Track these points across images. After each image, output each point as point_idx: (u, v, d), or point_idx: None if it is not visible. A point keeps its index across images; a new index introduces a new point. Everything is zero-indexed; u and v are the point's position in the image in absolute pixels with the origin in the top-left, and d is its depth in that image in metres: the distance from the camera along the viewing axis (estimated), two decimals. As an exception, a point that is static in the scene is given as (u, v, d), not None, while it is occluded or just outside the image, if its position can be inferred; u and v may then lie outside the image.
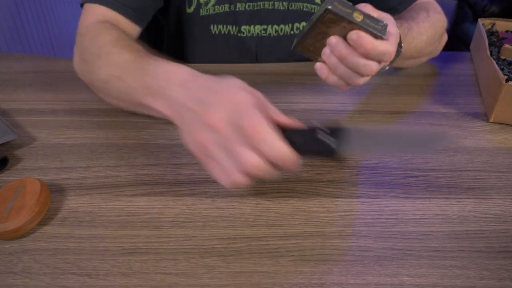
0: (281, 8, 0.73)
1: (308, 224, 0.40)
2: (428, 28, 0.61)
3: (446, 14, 0.68)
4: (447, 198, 0.44)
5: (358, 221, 0.41)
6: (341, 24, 0.42)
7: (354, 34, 0.42)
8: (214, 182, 0.45)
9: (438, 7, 0.68)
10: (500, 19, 0.74)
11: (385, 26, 0.42)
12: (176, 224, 0.40)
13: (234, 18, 0.72)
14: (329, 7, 0.40)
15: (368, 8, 0.44)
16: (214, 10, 0.71)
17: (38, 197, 0.40)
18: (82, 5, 0.61)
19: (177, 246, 0.38)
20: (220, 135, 0.35)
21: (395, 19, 0.49)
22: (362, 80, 0.46)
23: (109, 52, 0.50)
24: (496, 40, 0.68)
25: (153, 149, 0.51)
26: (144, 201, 0.43)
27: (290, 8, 0.73)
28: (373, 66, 0.44)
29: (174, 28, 0.76)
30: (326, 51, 0.46)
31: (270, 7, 0.72)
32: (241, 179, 0.35)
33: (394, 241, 0.39)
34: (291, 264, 0.36)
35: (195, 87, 0.39)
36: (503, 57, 0.63)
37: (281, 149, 0.34)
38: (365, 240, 0.39)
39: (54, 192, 0.44)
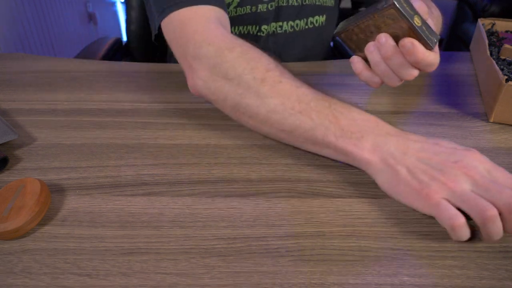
0: (295, 4, 0.73)
1: (308, 224, 0.40)
2: (433, 25, 0.61)
3: (446, 14, 0.69)
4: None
5: (358, 221, 0.41)
6: (398, 22, 0.41)
7: (409, 43, 0.42)
8: (214, 182, 0.46)
9: (434, 5, 0.68)
10: (500, 19, 0.74)
11: (438, 39, 0.43)
12: (176, 224, 0.40)
13: (255, 18, 0.72)
14: (395, 2, 0.40)
15: (422, 9, 0.43)
16: (236, 12, 0.70)
17: (38, 197, 0.40)
18: (163, 18, 0.55)
19: (177, 246, 0.38)
20: (474, 183, 0.37)
21: None
22: (398, 83, 0.46)
23: (279, 80, 0.46)
24: (496, 40, 0.68)
25: (153, 149, 0.51)
26: (144, 201, 0.43)
27: (304, 3, 0.74)
28: (415, 73, 0.44)
29: None
30: (370, 46, 0.46)
31: (285, 4, 0.73)
32: (493, 213, 0.35)
33: (394, 241, 0.39)
34: (291, 264, 0.36)
35: (412, 141, 0.41)
36: (503, 57, 0.63)
37: None
38: (365, 240, 0.39)
39: (54, 192, 0.44)
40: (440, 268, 0.36)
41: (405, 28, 0.41)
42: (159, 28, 0.57)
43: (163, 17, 0.55)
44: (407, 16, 0.40)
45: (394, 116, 0.57)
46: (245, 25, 0.73)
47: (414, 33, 0.41)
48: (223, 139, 0.52)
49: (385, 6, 0.41)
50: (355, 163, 0.43)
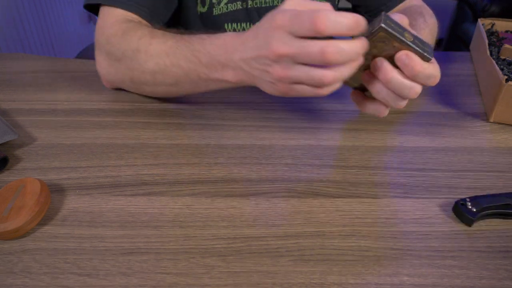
0: (267, 5, 0.73)
1: (308, 224, 0.40)
2: (428, 34, 0.60)
3: (446, 14, 0.68)
4: (447, 198, 0.44)
5: (358, 221, 0.41)
6: (390, 44, 0.41)
7: (404, 55, 0.41)
8: (214, 182, 0.46)
9: (430, 11, 0.67)
10: (500, 19, 0.74)
11: (432, 49, 0.42)
12: (176, 224, 0.40)
13: (247, 15, 0.72)
14: (383, 25, 0.39)
15: (405, 22, 0.43)
16: (227, 9, 0.70)
17: (38, 197, 0.40)
18: (85, 7, 0.61)
19: (177, 246, 0.38)
20: (290, 57, 0.39)
21: None
22: (404, 103, 0.45)
23: (150, 43, 0.51)
24: (496, 40, 0.68)
25: (153, 149, 0.51)
26: (144, 201, 0.43)
27: None
28: (418, 89, 0.43)
29: (186, 28, 0.76)
30: (365, 75, 0.45)
31: (280, 4, 0.72)
32: (329, 75, 0.38)
33: (394, 241, 0.39)
34: (291, 264, 0.36)
35: (246, 42, 0.43)
36: (503, 57, 0.63)
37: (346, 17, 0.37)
38: (365, 240, 0.39)
39: (54, 192, 0.44)
40: (440, 268, 0.36)
41: (398, 47, 0.41)
42: (89, 7, 0.62)
43: (90, 2, 0.60)
44: (398, 35, 0.40)
45: (394, 116, 0.57)
46: (238, 22, 0.73)
47: (408, 49, 0.41)
48: (223, 139, 0.52)
49: (373, 31, 0.40)
50: (236, 85, 0.47)
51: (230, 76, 0.46)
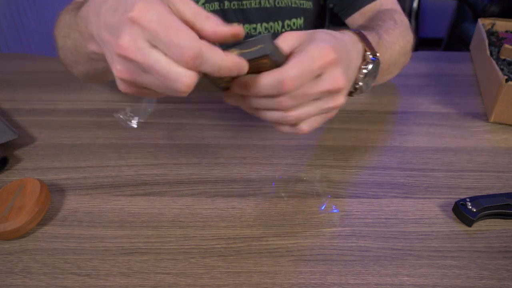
0: (268, 5, 0.72)
1: (308, 224, 0.40)
2: (399, 36, 0.55)
3: (446, 14, 0.68)
4: (447, 198, 0.44)
5: (358, 221, 0.41)
6: (225, 79, 0.35)
7: (236, 87, 0.36)
8: (214, 182, 0.46)
9: (403, 15, 0.61)
10: (500, 19, 0.74)
11: (268, 37, 0.33)
12: (176, 224, 0.40)
13: (223, 16, 0.71)
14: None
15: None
16: (204, 9, 0.70)
17: (38, 197, 0.40)
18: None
19: (177, 246, 0.38)
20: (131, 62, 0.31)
21: (360, 29, 0.44)
22: (293, 117, 0.37)
23: (62, 18, 0.50)
24: (496, 40, 0.68)
25: (153, 149, 0.51)
26: (144, 201, 0.43)
27: (278, 5, 0.73)
28: (287, 101, 0.36)
29: None
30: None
31: (257, 6, 0.72)
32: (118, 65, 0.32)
33: (394, 241, 0.39)
34: (291, 264, 0.36)
35: (102, 13, 0.33)
36: (503, 57, 0.63)
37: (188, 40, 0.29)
38: (365, 240, 0.39)
39: (54, 192, 0.44)
40: (440, 268, 0.36)
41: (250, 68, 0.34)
42: None
43: None
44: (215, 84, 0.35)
45: (394, 116, 0.57)
46: None
47: (252, 63, 0.34)
48: (223, 139, 0.52)
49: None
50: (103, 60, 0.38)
51: (92, 45, 0.38)
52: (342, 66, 0.37)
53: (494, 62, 0.57)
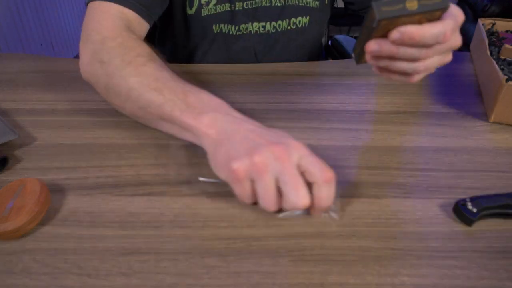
0: (278, 4, 0.73)
1: (308, 224, 0.40)
2: None
3: (446, 14, 0.68)
4: (447, 198, 0.44)
5: (358, 221, 0.41)
6: (398, 22, 0.40)
7: (396, 34, 0.41)
8: (214, 182, 0.46)
9: None
10: (500, 19, 0.74)
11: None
12: (176, 224, 0.40)
13: (234, 17, 0.72)
14: (379, 17, 0.38)
15: None
16: (215, 10, 0.71)
17: (38, 197, 0.40)
18: (87, 4, 0.61)
19: (177, 246, 0.38)
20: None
21: None
22: (422, 67, 0.45)
23: (144, 63, 0.50)
24: (496, 40, 0.68)
25: (153, 149, 0.51)
26: (144, 201, 0.43)
27: (287, 4, 0.74)
28: (429, 52, 0.44)
29: (174, 29, 0.76)
30: (368, 57, 0.46)
31: (268, 4, 0.73)
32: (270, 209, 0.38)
33: (394, 241, 0.39)
34: (291, 264, 0.36)
35: (244, 124, 0.42)
36: (503, 57, 0.63)
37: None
38: (365, 240, 0.39)
39: (54, 192, 0.44)
40: (440, 268, 0.36)
41: (406, 20, 0.39)
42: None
43: (87, 1, 0.61)
44: (399, 13, 0.38)
45: (394, 116, 0.57)
46: (225, 23, 0.73)
47: (419, 16, 0.39)
48: (223, 139, 0.52)
49: (374, 26, 0.39)
50: (196, 139, 0.44)
51: (202, 124, 0.43)
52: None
53: (494, 62, 0.57)
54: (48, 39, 2.00)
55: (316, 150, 0.51)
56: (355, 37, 0.79)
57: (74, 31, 2.23)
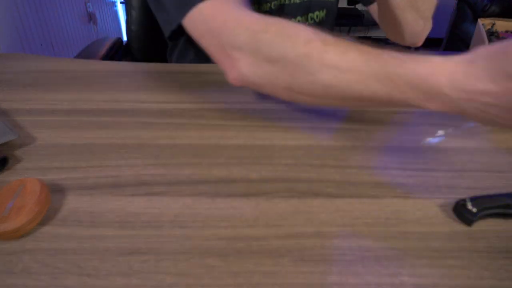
0: (298, 1, 0.74)
1: (308, 224, 0.40)
2: None
3: (446, 14, 0.69)
4: (447, 198, 0.44)
5: (358, 221, 0.41)
6: None
7: None
8: (214, 182, 0.46)
9: None
10: (500, 19, 0.74)
11: None
12: (176, 224, 0.40)
13: (308, 8, 0.73)
14: None
15: None
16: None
17: (38, 197, 0.40)
18: (182, 18, 0.54)
19: (177, 246, 0.38)
20: None
21: None
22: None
23: (324, 50, 0.43)
24: (496, 40, 0.68)
25: (153, 149, 0.51)
26: (144, 201, 0.43)
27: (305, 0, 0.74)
28: None
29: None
30: None
31: (287, 2, 0.73)
32: None
33: (394, 241, 0.39)
34: (291, 264, 0.36)
35: (475, 74, 0.35)
36: (503, 57, 0.62)
37: None
38: (365, 240, 0.39)
39: (54, 192, 0.44)
40: (440, 268, 0.36)
41: None
42: (179, 25, 0.55)
43: (185, 13, 0.53)
44: None
45: (394, 116, 0.57)
46: (306, 14, 0.73)
47: None
48: (223, 139, 0.52)
49: None
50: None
51: (433, 107, 0.38)
52: None
53: (494, 62, 0.57)
54: (48, 39, 2.00)
55: (316, 150, 0.51)
56: (355, 37, 0.80)
57: (74, 31, 2.23)
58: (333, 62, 0.43)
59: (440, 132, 0.37)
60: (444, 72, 0.37)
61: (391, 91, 0.40)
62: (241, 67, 0.48)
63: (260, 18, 0.49)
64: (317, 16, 0.78)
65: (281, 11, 0.74)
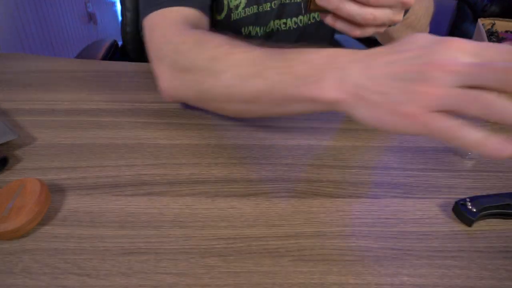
0: (298, 0, 0.74)
1: (308, 224, 0.40)
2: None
3: (446, 14, 0.68)
4: (447, 198, 0.44)
5: (358, 221, 0.41)
6: None
7: None
8: (214, 182, 0.46)
9: None
10: (500, 19, 0.74)
11: None
12: (176, 224, 0.40)
13: (260, 17, 0.73)
14: None
15: None
16: (245, 13, 0.71)
17: (38, 197, 0.40)
18: (142, 21, 0.56)
19: (177, 246, 0.38)
20: (465, 75, 0.30)
21: None
22: (362, 31, 0.42)
23: (231, 52, 0.44)
24: (496, 40, 0.68)
25: (153, 149, 0.51)
26: (144, 201, 0.43)
27: None
28: (368, 15, 0.40)
29: None
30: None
31: (288, 1, 0.73)
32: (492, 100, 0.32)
33: (394, 241, 0.39)
34: (291, 264, 0.36)
35: (377, 59, 0.34)
36: (503, 57, 0.62)
37: None
38: (365, 240, 0.39)
39: (54, 192, 0.44)
40: (440, 268, 0.36)
41: None
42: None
43: (143, 17, 0.56)
44: None
45: (394, 116, 0.57)
46: (253, 25, 0.73)
47: None
48: (223, 139, 0.52)
49: None
50: (326, 107, 0.38)
51: (327, 91, 0.36)
52: None
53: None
54: (48, 39, 2.00)
55: (316, 150, 0.51)
56: (355, 37, 0.80)
57: (74, 31, 2.23)
58: (237, 60, 0.43)
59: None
60: (343, 52, 0.37)
61: (285, 78, 0.39)
62: (163, 83, 0.50)
63: (184, 31, 0.50)
64: (318, 15, 0.78)
65: (282, 10, 0.74)
